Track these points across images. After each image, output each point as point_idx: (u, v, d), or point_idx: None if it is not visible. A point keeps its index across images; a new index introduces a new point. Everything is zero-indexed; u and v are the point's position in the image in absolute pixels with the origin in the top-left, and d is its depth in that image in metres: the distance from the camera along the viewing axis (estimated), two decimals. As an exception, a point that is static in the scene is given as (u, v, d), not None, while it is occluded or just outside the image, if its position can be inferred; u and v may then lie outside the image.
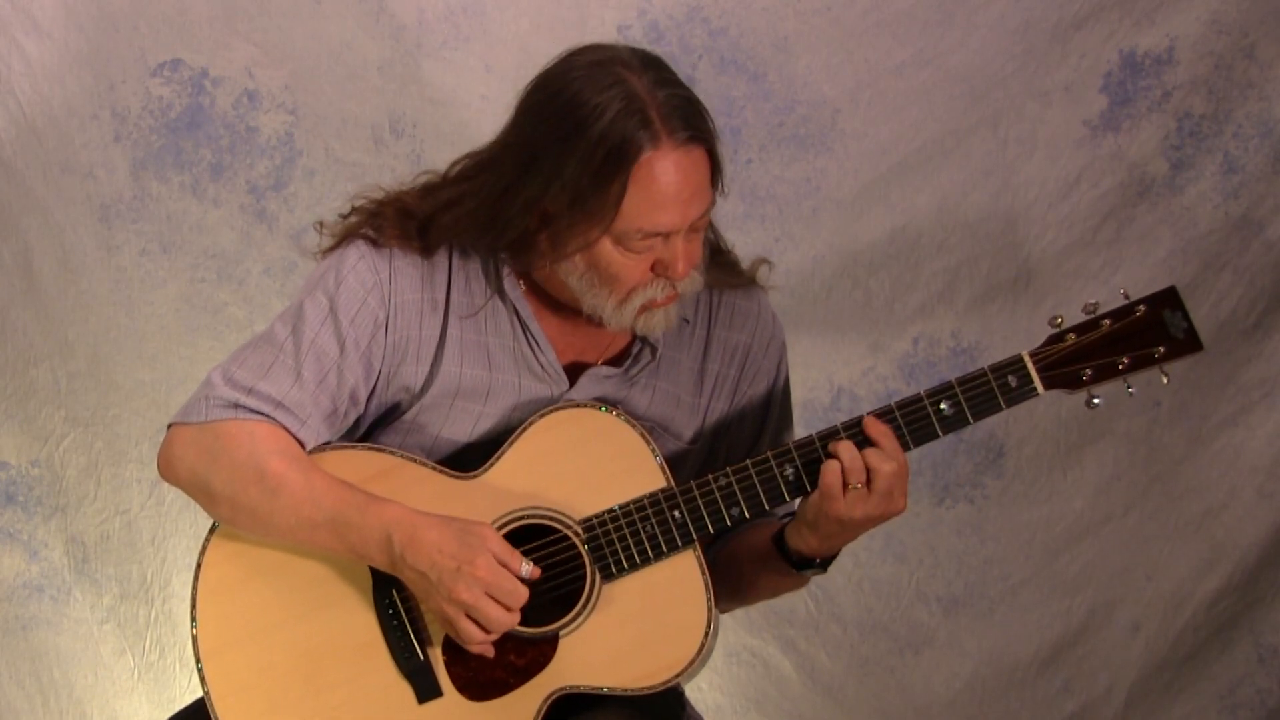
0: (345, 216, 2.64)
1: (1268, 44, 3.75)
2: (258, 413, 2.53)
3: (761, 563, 2.63)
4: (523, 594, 2.45)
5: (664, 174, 2.44)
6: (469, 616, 2.45)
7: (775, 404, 2.72)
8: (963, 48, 3.77)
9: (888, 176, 3.81)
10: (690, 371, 2.67)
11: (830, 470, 2.47)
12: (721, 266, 2.67)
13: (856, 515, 2.48)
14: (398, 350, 2.59)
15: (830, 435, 2.50)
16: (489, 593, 2.44)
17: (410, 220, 2.59)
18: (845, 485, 2.47)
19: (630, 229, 2.47)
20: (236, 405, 2.53)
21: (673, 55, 3.72)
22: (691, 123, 2.46)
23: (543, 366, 2.61)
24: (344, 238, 2.61)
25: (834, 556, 2.58)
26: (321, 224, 2.66)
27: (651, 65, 2.49)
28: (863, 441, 2.49)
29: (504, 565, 2.45)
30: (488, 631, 2.46)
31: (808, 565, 2.57)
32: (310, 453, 2.55)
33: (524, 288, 2.61)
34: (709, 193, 2.50)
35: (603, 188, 2.44)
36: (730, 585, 2.68)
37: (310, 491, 2.50)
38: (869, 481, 2.47)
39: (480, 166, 2.57)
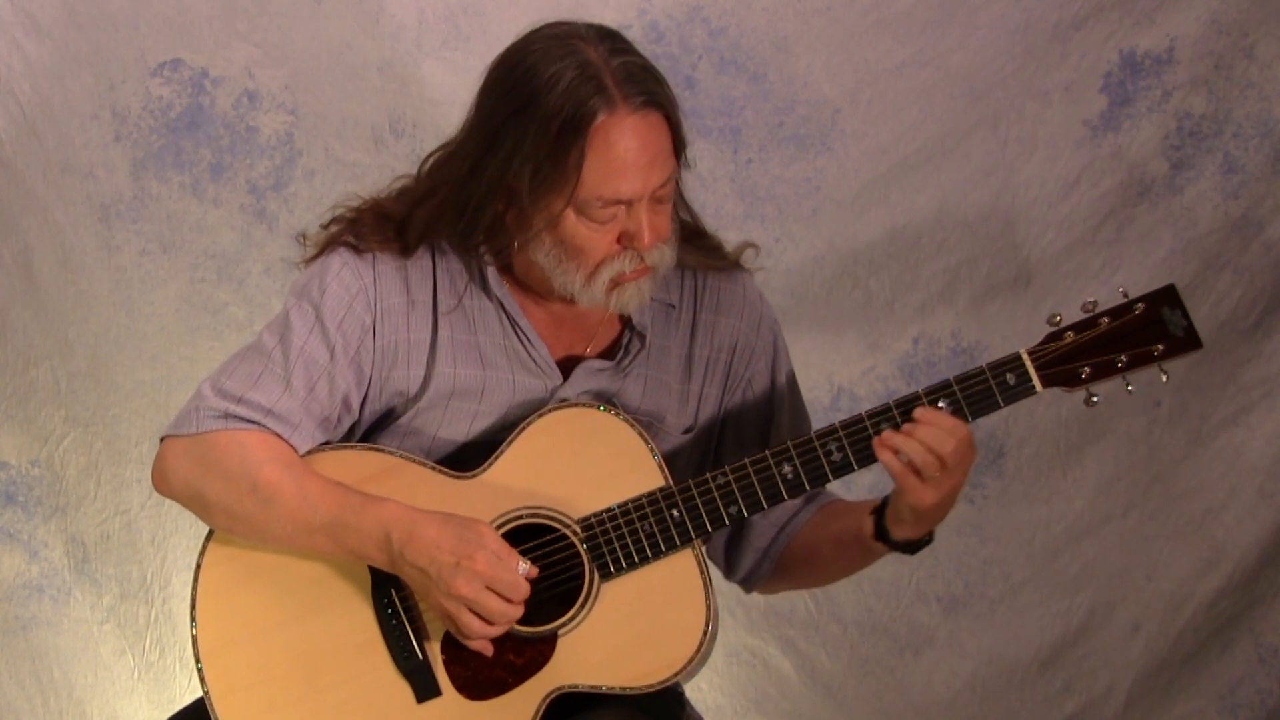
0: (325, 226, 2.64)
1: (1268, 44, 3.74)
2: (249, 421, 2.52)
3: (860, 554, 2.62)
4: (523, 587, 2.45)
5: (621, 139, 2.44)
6: (471, 610, 2.45)
7: (780, 392, 2.71)
8: (963, 48, 3.76)
9: (888, 176, 3.80)
10: (679, 358, 2.67)
11: (906, 480, 2.45)
12: (704, 250, 2.66)
13: (948, 488, 2.47)
14: (387, 355, 2.58)
15: (828, 434, 2.49)
16: (490, 586, 2.44)
17: (388, 223, 2.59)
18: (923, 478, 2.45)
19: (591, 197, 2.46)
20: (227, 415, 2.53)
21: (673, 55, 3.72)
22: (647, 88, 2.46)
23: (535, 361, 2.60)
24: (325, 246, 2.61)
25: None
26: (304, 235, 2.66)
27: (608, 37, 2.49)
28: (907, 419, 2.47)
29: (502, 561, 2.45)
30: (490, 625, 2.46)
31: (920, 543, 2.57)
32: (307, 453, 2.55)
33: (508, 285, 2.61)
34: (670, 160, 2.49)
35: (561, 157, 2.44)
36: (800, 573, 2.70)
37: (305, 498, 2.49)
38: (943, 465, 2.45)
39: (449, 156, 2.57)
